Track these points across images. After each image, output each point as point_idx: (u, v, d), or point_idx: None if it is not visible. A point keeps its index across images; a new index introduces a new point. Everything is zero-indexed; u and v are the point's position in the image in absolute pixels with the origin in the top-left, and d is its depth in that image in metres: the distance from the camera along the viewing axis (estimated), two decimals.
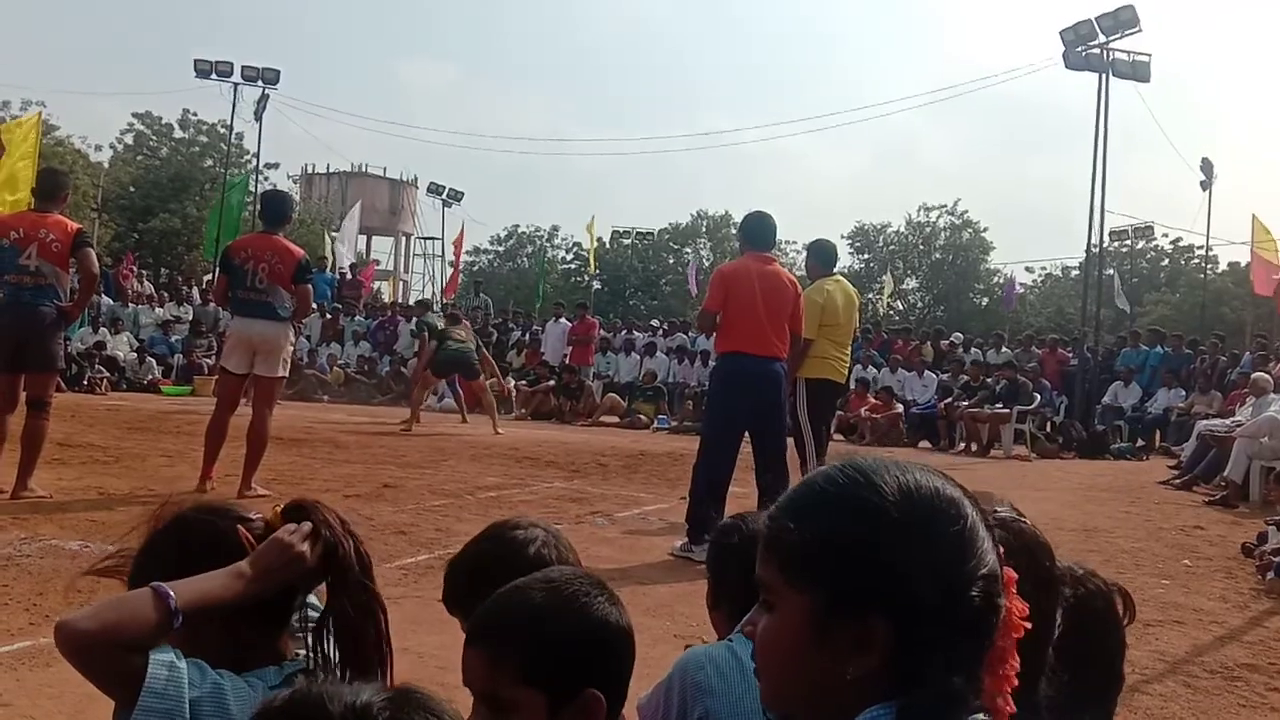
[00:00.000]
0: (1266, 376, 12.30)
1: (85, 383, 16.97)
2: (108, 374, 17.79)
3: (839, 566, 1.08)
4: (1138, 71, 21.03)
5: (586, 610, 1.55)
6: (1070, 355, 19.80)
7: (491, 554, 1.96)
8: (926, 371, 18.57)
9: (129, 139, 43.06)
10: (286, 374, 7.93)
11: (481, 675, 1.46)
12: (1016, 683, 1.16)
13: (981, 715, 1.12)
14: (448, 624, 1.96)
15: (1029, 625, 1.16)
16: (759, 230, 6.87)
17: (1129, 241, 39.57)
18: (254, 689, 1.51)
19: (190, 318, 21.22)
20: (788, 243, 44.11)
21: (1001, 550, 1.15)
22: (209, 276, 26.21)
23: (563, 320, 21.52)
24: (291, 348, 7.90)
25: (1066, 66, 21.22)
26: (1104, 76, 20.83)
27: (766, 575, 1.14)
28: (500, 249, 58.38)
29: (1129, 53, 20.93)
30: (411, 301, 29.67)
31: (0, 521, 5.78)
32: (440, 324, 14.55)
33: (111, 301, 21.37)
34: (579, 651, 1.49)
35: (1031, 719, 1.35)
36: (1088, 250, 22.64)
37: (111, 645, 1.42)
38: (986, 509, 1.44)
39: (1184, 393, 16.96)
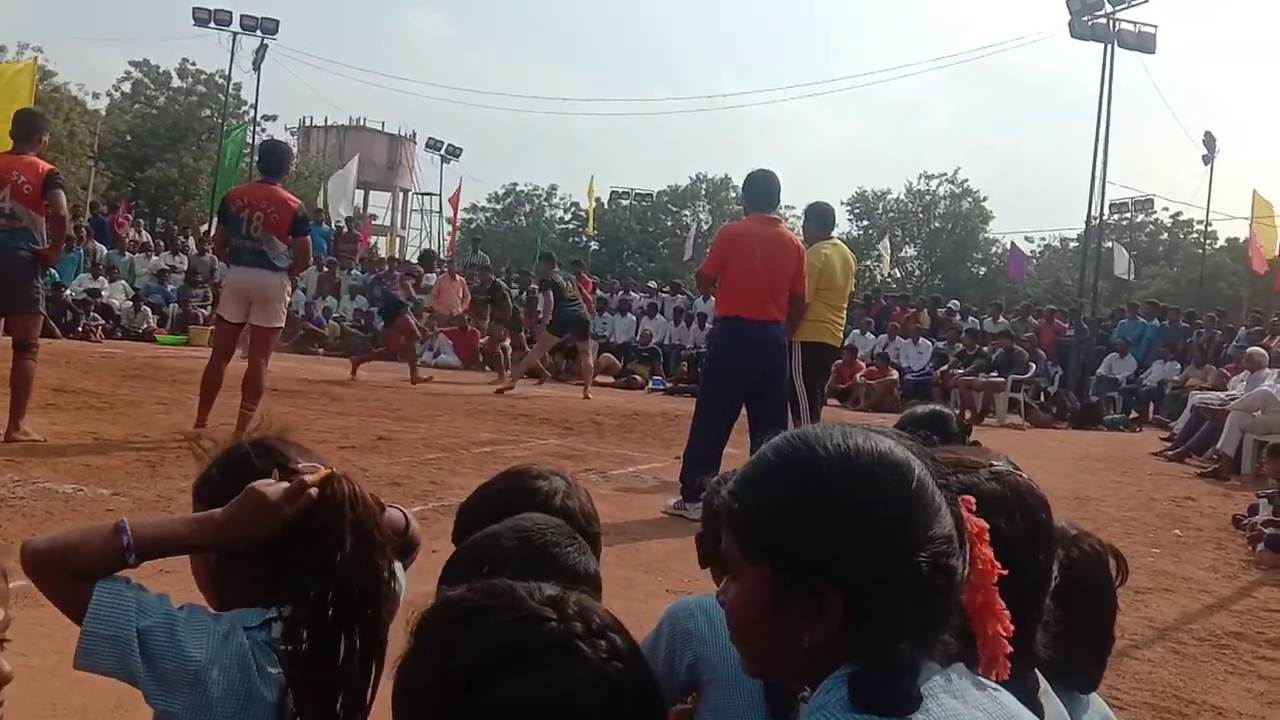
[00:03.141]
0: (1262, 351, 12.32)
1: (80, 330, 16.93)
2: (102, 321, 17.74)
3: (786, 538, 1.10)
4: (1143, 43, 20.94)
5: (556, 559, 1.58)
6: (1067, 326, 19.80)
7: (515, 504, 1.92)
8: (922, 339, 18.59)
9: (126, 87, 42.79)
10: (283, 324, 7.90)
11: None
12: (1011, 629, 1.16)
13: (961, 665, 1.13)
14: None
15: (1004, 571, 1.17)
16: (762, 189, 6.79)
17: (1129, 214, 39.55)
18: (218, 623, 1.50)
19: (186, 267, 21.13)
20: (787, 208, 43.95)
21: (973, 501, 1.16)
22: (205, 226, 26.10)
23: None
24: (289, 298, 7.86)
25: (1072, 36, 21.12)
26: (1109, 47, 20.74)
27: (728, 548, 1.17)
28: (498, 207, 58.17)
29: (1135, 23, 20.84)
30: (410, 257, 29.58)
31: None
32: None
33: (107, 249, 21.27)
34: None
35: (1028, 669, 1.36)
36: (1087, 222, 22.63)
37: (62, 570, 1.44)
38: (982, 463, 1.45)
39: (1179, 365, 16.98)
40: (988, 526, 1.16)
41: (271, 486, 1.52)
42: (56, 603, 1.46)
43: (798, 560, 1.08)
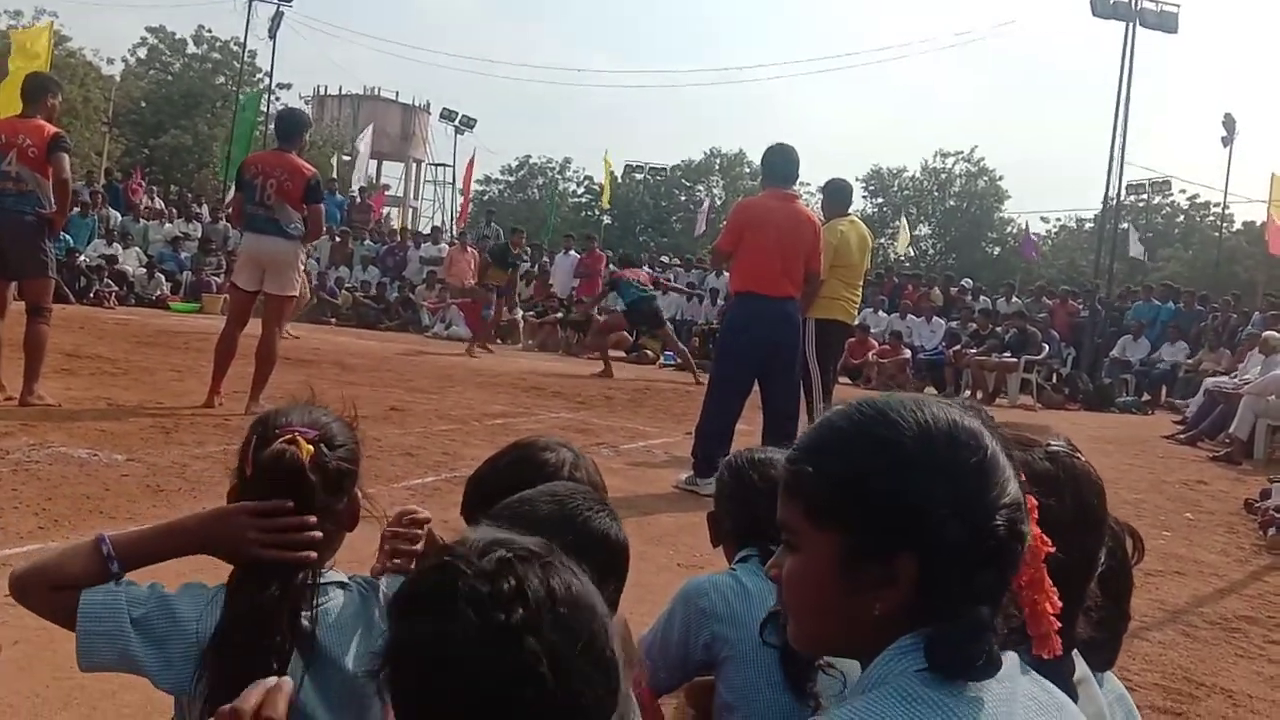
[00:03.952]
0: (1276, 335, 12.22)
1: (94, 296, 16.98)
2: (116, 288, 17.78)
3: (862, 508, 1.08)
4: (1165, 22, 20.73)
5: (589, 523, 1.60)
6: (1081, 307, 19.71)
7: (523, 476, 1.92)
8: (935, 318, 18.53)
9: (142, 53, 42.74)
10: (297, 293, 7.90)
11: None
12: (1060, 605, 1.15)
13: (1012, 652, 1.12)
14: None
15: (1051, 549, 1.16)
16: (781, 164, 6.73)
17: (1145, 195, 39.31)
18: (210, 590, 1.56)
19: (199, 235, 21.13)
20: (802, 184, 43.61)
21: (1024, 477, 1.15)
22: (220, 196, 26.13)
23: (571, 253, 21.40)
24: (302, 267, 7.84)
25: (1094, 14, 20.92)
26: (1131, 26, 20.53)
27: (789, 518, 1.14)
28: (511, 179, 58.06)
29: (1157, 2, 20.62)
30: (423, 229, 29.49)
31: (9, 428, 5.80)
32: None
33: (121, 216, 21.29)
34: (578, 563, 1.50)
35: (1066, 653, 1.35)
36: (1104, 202, 22.48)
37: (49, 586, 1.49)
38: (1039, 441, 1.44)
39: (1186, 347, 16.92)
40: (1036, 503, 1.15)
41: (254, 512, 1.56)
42: (49, 617, 1.50)
43: (874, 526, 1.07)
